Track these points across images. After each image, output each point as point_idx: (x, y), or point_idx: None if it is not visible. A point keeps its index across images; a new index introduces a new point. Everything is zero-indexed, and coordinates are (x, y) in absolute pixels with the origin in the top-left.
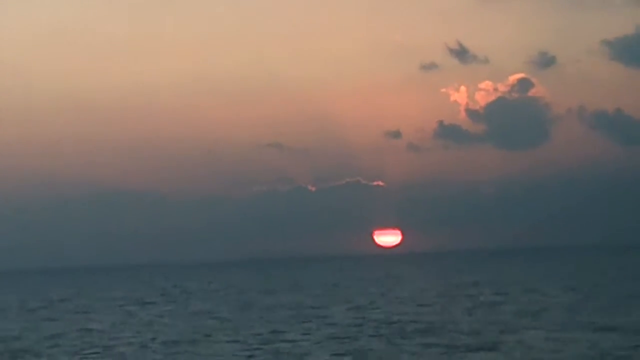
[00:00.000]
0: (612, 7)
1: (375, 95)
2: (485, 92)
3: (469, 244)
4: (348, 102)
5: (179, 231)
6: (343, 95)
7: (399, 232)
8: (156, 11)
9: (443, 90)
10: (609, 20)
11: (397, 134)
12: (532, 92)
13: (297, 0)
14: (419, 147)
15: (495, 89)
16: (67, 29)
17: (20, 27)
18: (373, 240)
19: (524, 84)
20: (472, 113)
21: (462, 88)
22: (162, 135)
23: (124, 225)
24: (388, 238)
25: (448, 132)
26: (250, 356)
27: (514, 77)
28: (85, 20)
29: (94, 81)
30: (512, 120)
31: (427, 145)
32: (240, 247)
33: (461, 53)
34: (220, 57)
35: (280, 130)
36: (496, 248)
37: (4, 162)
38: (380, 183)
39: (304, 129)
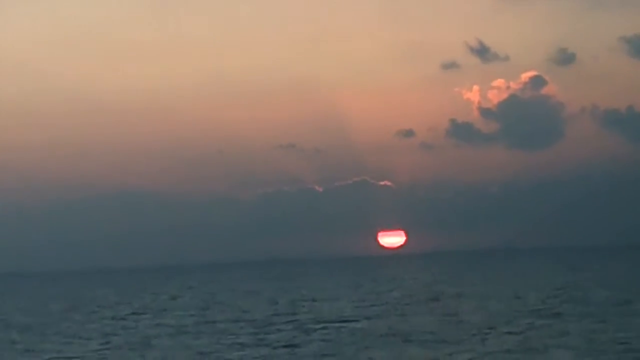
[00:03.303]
0: (630, 4)
1: (391, 95)
2: (497, 90)
3: (478, 244)
4: (364, 102)
5: (185, 232)
6: (359, 95)
7: (402, 233)
8: (170, 14)
9: (456, 89)
10: (628, 17)
11: (410, 133)
12: (544, 90)
13: (314, 1)
14: (432, 146)
15: (508, 87)
16: (83, 32)
17: (37, 29)
18: (377, 241)
19: (536, 82)
20: (484, 111)
21: (475, 87)
22: (174, 136)
23: (131, 226)
24: (392, 239)
25: (460, 131)
26: None
27: (526, 75)
28: (101, 23)
29: (107, 83)
30: (525, 118)
31: (439, 144)
32: (246, 248)
33: (482, 52)
34: (234, 59)
35: (294, 132)
36: (506, 248)
37: (23, 163)
38: (388, 183)
39: (317, 130)
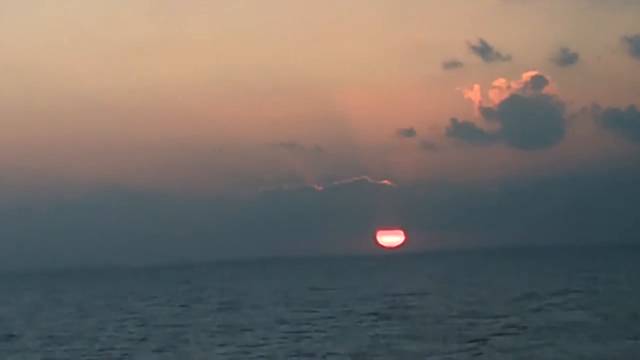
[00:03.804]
0: (633, 3)
1: (391, 94)
2: (499, 89)
3: (478, 243)
4: (364, 101)
5: (184, 230)
6: (360, 94)
7: (401, 232)
8: (170, 14)
9: (458, 88)
10: (630, 17)
11: (410, 132)
12: (546, 90)
13: (315, 1)
14: (433, 145)
15: (509, 87)
16: (84, 32)
17: (39, 29)
18: (376, 240)
19: (537, 82)
20: (485, 111)
21: (476, 86)
22: (174, 135)
23: (131, 225)
24: (391, 238)
25: (461, 130)
26: None
27: (527, 75)
28: (101, 22)
29: (107, 82)
30: (526, 118)
31: (440, 143)
32: (245, 247)
33: (484, 51)
34: (234, 58)
35: (294, 130)
36: (506, 247)
37: (25, 162)
38: (388, 182)
39: (318, 129)
